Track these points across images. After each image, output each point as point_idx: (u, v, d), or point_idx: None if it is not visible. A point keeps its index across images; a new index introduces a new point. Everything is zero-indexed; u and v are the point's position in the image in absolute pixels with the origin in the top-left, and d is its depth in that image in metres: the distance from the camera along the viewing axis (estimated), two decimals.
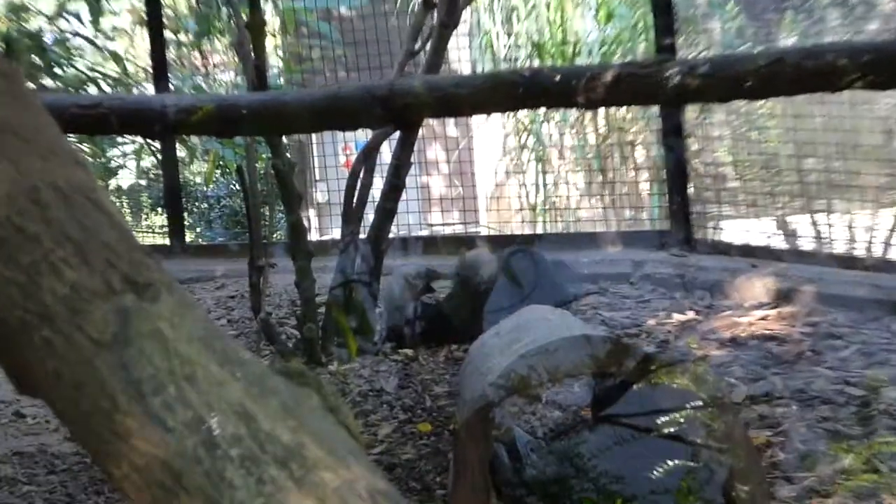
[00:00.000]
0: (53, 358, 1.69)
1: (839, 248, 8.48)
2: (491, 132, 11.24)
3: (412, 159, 7.07)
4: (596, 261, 8.28)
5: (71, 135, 7.43)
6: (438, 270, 7.02)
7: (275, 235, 10.45)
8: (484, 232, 10.35)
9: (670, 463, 3.87)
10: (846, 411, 5.34)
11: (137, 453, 1.62)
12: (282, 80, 11.44)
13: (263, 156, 9.40)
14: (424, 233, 10.40)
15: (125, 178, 13.41)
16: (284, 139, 7.23)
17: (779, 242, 8.49)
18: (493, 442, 4.05)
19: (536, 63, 10.28)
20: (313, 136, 11.00)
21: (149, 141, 11.34)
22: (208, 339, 1.72)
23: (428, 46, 6.98)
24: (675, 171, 8.37)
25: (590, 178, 10.18)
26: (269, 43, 10.41)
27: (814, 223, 8.92)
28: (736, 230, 8.57)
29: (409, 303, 6.86)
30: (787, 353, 6.21)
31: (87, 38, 11.98)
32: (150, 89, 10.91)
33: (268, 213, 9.24)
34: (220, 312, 7.68)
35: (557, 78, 4.38)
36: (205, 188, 13.11)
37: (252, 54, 6.43)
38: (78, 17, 11.83)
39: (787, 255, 7.90)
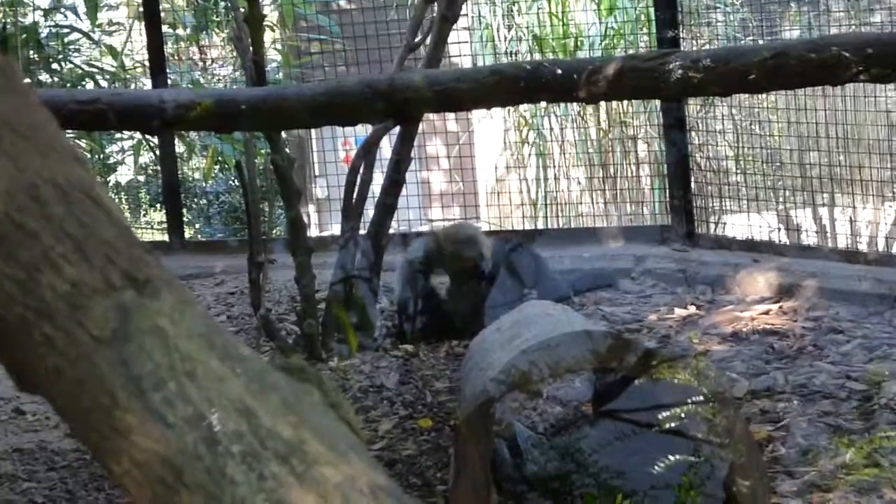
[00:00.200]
0: (53, 354, 1.68)
1: (841, 242, 8.47)
2: (491, 127, 11.23)
3: (412, 154, 7.06)
4: (597, 256, 8.26)
5: (69, 131, 7.42)
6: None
7: (274, 231, 10.45)
8: (484, 227, 10.33)
9: (671, 458, 3.87)
10: (848, 406, 5.34)
11: (138, 449, 1.62)
12: (281, 74, 11.42)
13: (262, 151, 9.39)
14: (425, 228, 10.38)
15: (124, 175, 13.39)
16: (284, 134, 7.22)
17: (781, 237, 8.48)
18: (494, 437, 4.04)
19: (538, 57, 10.25)
20: (313, 131, 10.98)
21: (147, 136, 11.31)
22: (208, 335, 1.72)
23: (428, 40, 6.97)
24: (677, 166, 8.36)
25: (591, 172, 10.16)
26: (268, 37, 10.39)
27: (816, 217, 8.92)
28: (738, 224, 8.56)
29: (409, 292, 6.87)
30: (788, 348, 6.21)
31: (83, 33, 11.95)
32: (147, 84, 10.89)
33: (267, 209, 9.25)
34: (220, 309, 7.67)
35: (559, 72, 4.37)
36: (203, 184, 13.09)
37: (250, 49, 6.41)
38: (75, 11, 11.82)
39: (789, 250, 7.89)
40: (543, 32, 10.47)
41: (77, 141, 10.84)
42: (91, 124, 5.64)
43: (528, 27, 10.77)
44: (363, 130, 7.75)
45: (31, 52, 10.92)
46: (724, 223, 8.72)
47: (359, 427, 1.85)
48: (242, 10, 6.49)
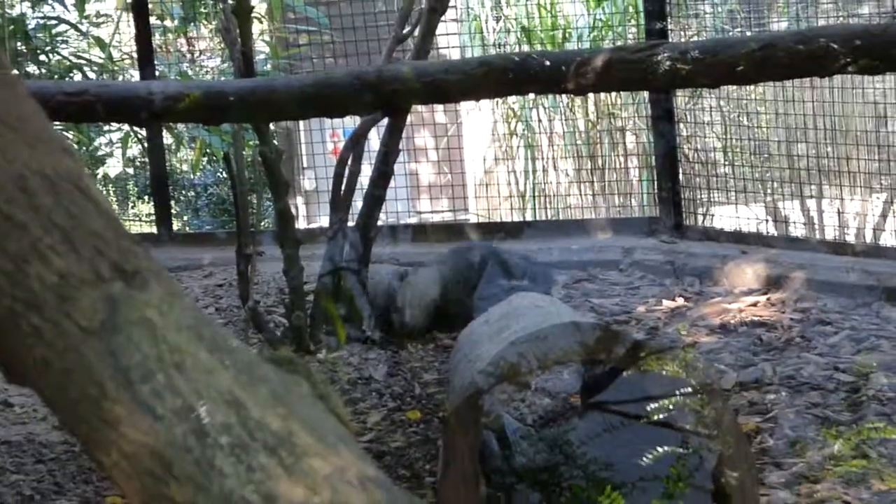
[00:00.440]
0: (42, 346, 1.68)
1: (829, 233, 8.49)
2: (480, 119, 11.23)
3: (400, 146, 7.05)
4: (585, 247, 8.27)
5: (57, 123, 7.41)
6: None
7: (262, 223, 10.44)
8: (473, 219, 10.34)
9: (660, 450, 3.86)
10: (836, 397, 5.35)
11: (126, 441, 1.62)
12: (269, 66, 11.40)
13: (251, 143, 9.38)
14: (413, 220, 10.39)
15: (112, 167, 13.37)
16: (272, 126, 7.21)
17: (769, 228, 8.49)
18: (483, 429, 4.04)
19: (526, 48, 10.24)
20: (301, 123, 10.97)
21: (135, 128, 11.29)
22: (197, 326, 1.72)
23: (416, 32, 6.96)
24: (665, 157, 8.37)
25: (579, 164, 10.17)
26: (256, 28, 10.38)
27: (804, 209, 8.93)
28: (726, 216, 8.57)
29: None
30: (776, 340, 6.22)
31: (71, 24, 11.92)
32: (135, 76, 10.87)
33: (255, 201, 9.23)
34: (208, 301, 7.66)
35: (547, 63, 4.37)
36: (192, 176, 13.08)
37: (238, 40, 6.40)
38: (62, 2, 11.78)
39: (777, 241, 7.91)
40: (532, 24, 10.47)
41: (65, 133, 10.81)
42: (79, 116, 5.63)
43: (516, 19, 10.77)
44: (351, 122, 7.74)
45: (19, 43, 10.89)
46: (713, 215, 8.73)
47: (347, 419, 1.85)
48: (230, 1, 6.47)
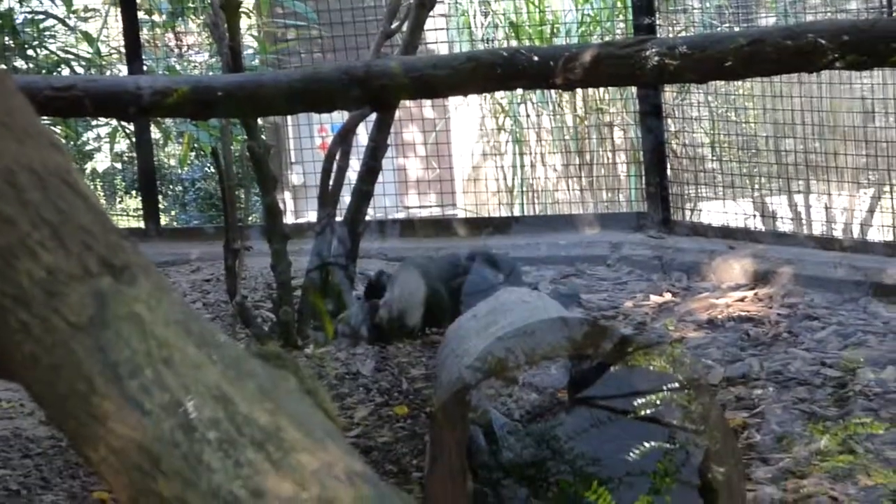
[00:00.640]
0: (30, 341, 1.68)
1: (817, 229, 8.50)
2: (468, 114, 11.22)
3: (389, 141, 7.05)
4: (573, 243, 8.27)
5: (44, 117, 7.39)
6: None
7: (250, 218, 10.42)
8: (461, 214, 10.34)
9: (647, 445, 3.87)
10: (823, 393, 5.36)
11: (115, 436, 1.62)
12: (257, 60, 11.38)
13: (238, 138, 9.36)
14: (401, 215, 10.39)
15: (100, 162, 13.33)
16: (260, 121, 7.20)
17: (756, 224, 8.50)
18: (470, 424, 4.04)
19: (514, 43, 10.25)
20: (288, 118, 10.96)
21: (123, 123, 11.26)
22: (185, 321, 1.71)
23: (405, 27, 6.96)
24: (653, 153, 8.38)
25: (567, 159, 10.17)
26: (244, 23, 10.37)
27: (792, 204, 8.94)
28: (714, 211, 8.58)
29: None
30: (763, 335, 6.23)
31: (59, 19, 11.89)
32: (123, 71, 10.85)
33: (243, 196, 9.22)
34: (196, 296, 7.66)
35: (535, 58, 4.37)
36: (179, 171, 13.04)
37: (227, 35, 6.40)
38: None
39: (764, 237, 7.92)
40: (520, 19, 10.48)
41: (52, 127, 10.79)
42: (67, 111, 5.62)
43: (504, 14, 10.77)
44: (339, 117, 7.73)
45: (7, 38, 10.86)
46: (700, 210, 8.74)
47: (335, 414, 1.86)
48: None
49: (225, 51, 6.41)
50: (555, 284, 7.51)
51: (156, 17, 11.98)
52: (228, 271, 6.52)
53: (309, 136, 10.56)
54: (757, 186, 8.66)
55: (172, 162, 12.92)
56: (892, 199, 8.00)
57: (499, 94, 10.38)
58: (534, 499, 4.08)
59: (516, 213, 10.08)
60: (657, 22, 8.27)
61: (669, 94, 8.64)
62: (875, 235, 8.40)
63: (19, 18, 11.39)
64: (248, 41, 11.30)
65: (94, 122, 12.36)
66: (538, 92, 9.95)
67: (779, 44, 4.06)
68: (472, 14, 10.97)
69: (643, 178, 8.62)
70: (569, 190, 10.03)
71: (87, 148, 13.01)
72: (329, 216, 6.75)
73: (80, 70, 11.44)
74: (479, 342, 3.99)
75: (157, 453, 1.59)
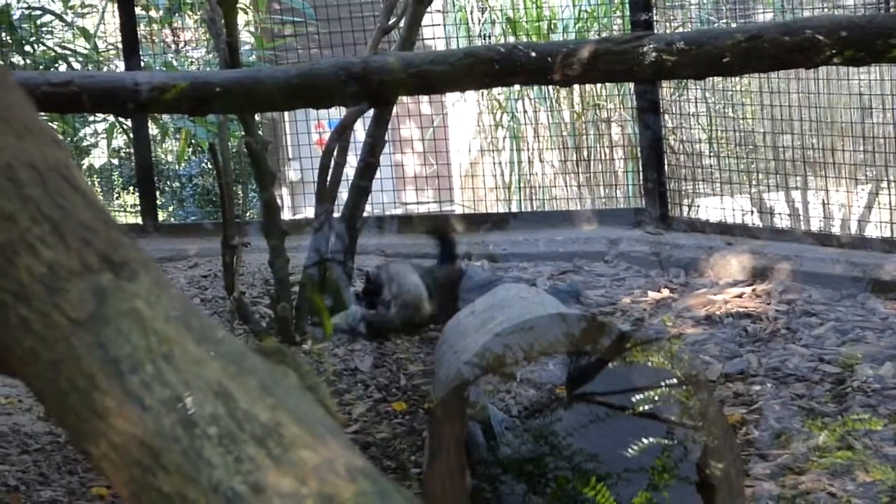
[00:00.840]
0: (30, 337, 1.68)
1: (815, 225, 8.51)
2: (465, 110, 11.22)
3: (386, 137, 7.05)
4: (571, 239, 8.27)
5: (42, 113, 7.38)
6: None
7: (248, 214, 10.41)
8: (458, 210, 10.33)
9: (645, 441, 3.87)
10: (821, 389, 5.36)
11: (115, 432, 1.62)
12: (254, 56, 11.37)
13: (236, 134, 9.35)
14: (399, 211, 10.38)
15: (97, 158, 13.31)
16: (257, 117, 7.20)
17: (754, 220, 8.50)
18: (468, 420, 4.04)
19: (511, 39, 10.25)
20: (286, 114, 10.95)
21: (120, 119, 11.25)
22: (185, 317, 1.72)
23: (402, 23, 6.95)
24: (651, 149, 8.37)
25: (565, 155, 10.17)
26: (241, 19, 10.35)
27: (789, 200, 8.94)
28: (711, 207, 8.58)
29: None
30: (761, 331, 6.23)
31: (56, 15, 11.88)
32: (120, 67, 10.84)
33: (241, 192, 9.21)
34: (194, 292, 7.65)
35: (533, 54, 4.36)
36: (177, 167, 13.03)
37: (224, 31, 6.39)
38: None
39: (762, 233, 7.92)
40: (517, 15, 10.47)
41: (50, 123, 10.77)
42: (64, 107, 5.61)
43: (501, 10, 10.76)
44: (337, 113, 7.73)
45: (4, 34, 10.84)
46: (698, 206, 8.73)
47: (334, 410, 1.86)
48: None
49: (222, 47, 6.41)
50: (553, 280, 7.51)
51: (153, 13, 11.98)
52: (226, 267, 6.51)
53: (306, 132, 10.53)
54: (755, 182, 8.67)
55: (170, 158, 12.91)
56: (889, 194, 8.01)
57: (496, 90, 10.38)
58: (532, 495, 4.09)
59: (514, 209, 10.08)
60: (654, 18, 8.26)
61: (667, 90, 8.64)
62: (873, 231, 8.40)
63: (16, 14, 11.38)
64: (246, 37, 11.29)
65: (91, 118, 12.36)
66: (536, 88, 9.95)
67: (776, 40, 4.06)
68: (470, 10, 10.97)
69: (641, 174, 8.62)
70: (566, 186, 10.03)
71: (85, 144, 13.00)
72: (327, 212, 6.75)
73: (77, 66, 11.43)
74: (478, 338, 3.99)
75: (157, 449, 1.59)
